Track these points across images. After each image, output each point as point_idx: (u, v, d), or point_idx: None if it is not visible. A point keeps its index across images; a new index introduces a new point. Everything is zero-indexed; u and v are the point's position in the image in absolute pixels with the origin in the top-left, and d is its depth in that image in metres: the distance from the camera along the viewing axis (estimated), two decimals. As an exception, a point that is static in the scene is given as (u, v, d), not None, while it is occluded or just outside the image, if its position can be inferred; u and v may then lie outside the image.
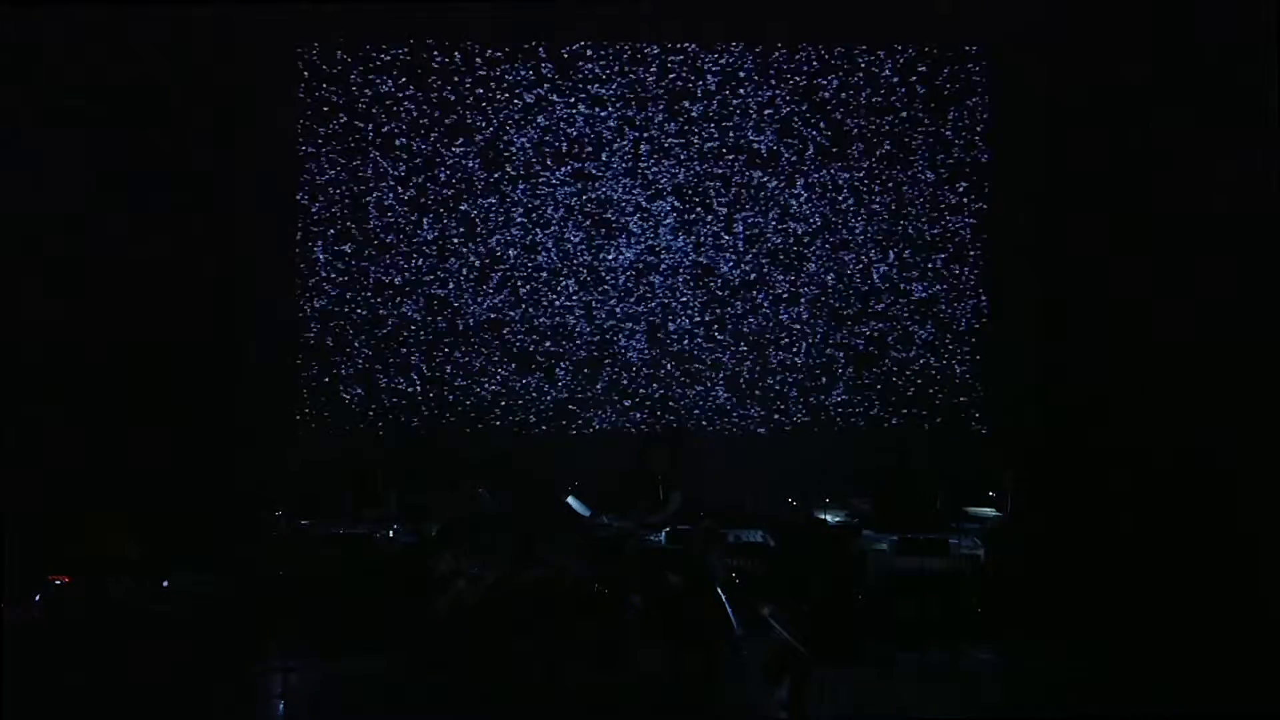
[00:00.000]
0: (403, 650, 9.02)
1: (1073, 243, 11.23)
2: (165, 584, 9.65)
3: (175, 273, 11.18)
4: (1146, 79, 10.41)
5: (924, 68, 11.74)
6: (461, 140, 11.79)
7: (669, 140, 11.82)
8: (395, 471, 10.82)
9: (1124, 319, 10.65)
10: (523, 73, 11.76)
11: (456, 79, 11.79)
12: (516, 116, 11.77)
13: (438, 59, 11.78)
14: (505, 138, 11.79)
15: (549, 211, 11.83)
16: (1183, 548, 9.74)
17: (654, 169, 11.82)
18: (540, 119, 11.78)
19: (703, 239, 11.84)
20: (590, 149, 11.82)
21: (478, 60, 11.78)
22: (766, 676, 7.91)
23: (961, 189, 11.78)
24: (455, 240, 11.82)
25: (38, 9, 10.45)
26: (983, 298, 11.83)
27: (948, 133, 11.77)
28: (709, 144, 11.81)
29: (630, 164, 11.81)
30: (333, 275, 11.81)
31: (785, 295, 11.84)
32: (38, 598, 9.31)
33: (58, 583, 9.39)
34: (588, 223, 11.84)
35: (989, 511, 10.43)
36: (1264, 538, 9.32)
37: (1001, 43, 11.70)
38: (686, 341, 11.87)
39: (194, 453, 11.00)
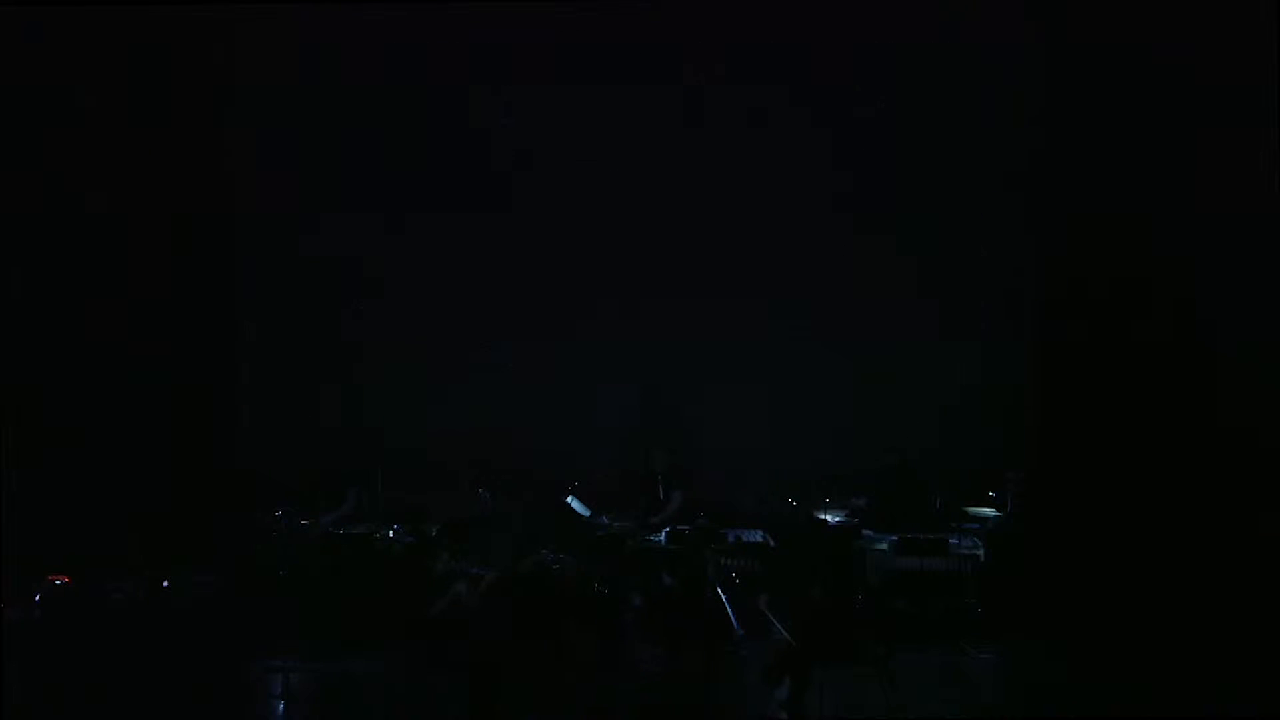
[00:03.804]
0: (403, 650, 9.03)
1: (1074, 243, 11.21)
2: (165, 584, 9.66)
3: (175, 272, 11.17)
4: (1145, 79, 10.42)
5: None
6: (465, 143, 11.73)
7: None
8: (394, 471, 10.78)
9: (1125, 319, 10.64)
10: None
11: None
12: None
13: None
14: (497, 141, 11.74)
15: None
16: (1183, 548, 9.74)
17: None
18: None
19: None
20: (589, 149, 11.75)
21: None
22: (766, 676, 7.91)
23: (960, 187, 11.73)
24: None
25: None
26: (983, 297, 11.79)
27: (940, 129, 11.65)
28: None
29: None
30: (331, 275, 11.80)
31: (784, 298, 11.80)
32: (38, 598, 9.32)
33: (58, 583, 9.40)
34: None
35: (989, 511, 10.43)
36: (1265, 539, 9.32)
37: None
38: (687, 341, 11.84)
39: (194, 453, 10.98)
